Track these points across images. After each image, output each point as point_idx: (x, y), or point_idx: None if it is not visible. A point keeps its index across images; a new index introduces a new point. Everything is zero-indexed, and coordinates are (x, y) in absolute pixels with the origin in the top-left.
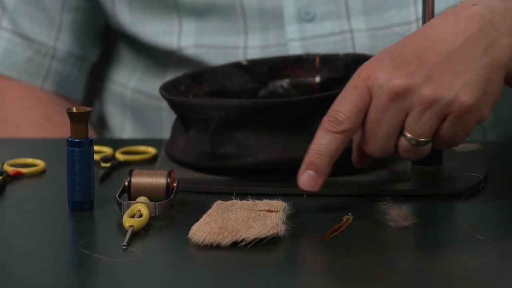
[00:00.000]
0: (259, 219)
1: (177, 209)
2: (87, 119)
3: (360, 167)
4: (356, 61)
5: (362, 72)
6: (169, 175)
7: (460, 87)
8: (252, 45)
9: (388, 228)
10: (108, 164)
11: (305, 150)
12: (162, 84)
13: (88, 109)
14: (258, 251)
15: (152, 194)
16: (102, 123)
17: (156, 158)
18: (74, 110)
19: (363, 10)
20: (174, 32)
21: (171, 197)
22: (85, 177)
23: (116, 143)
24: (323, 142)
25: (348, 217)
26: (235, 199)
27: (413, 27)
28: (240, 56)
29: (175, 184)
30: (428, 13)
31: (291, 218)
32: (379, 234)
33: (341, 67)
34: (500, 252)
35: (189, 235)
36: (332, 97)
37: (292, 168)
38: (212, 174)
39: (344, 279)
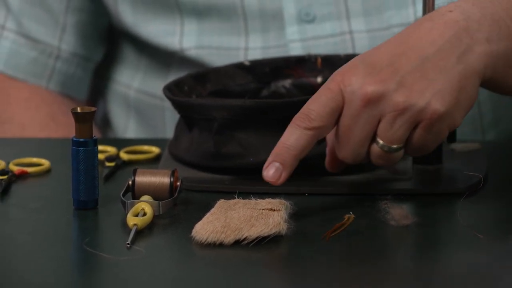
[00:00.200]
0: (262, 218)
1: (181, 208)
2: (91, 119)
3: (333, 171)
4: None
5: (336, 76)
6: (173, 174)
7: (432, 94)
8: (253, 46)
9: (389, 226)
10: (112, 164)
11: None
12: (165, 84)
13: (93, 109)
14: (260, 250)
15: (155, 193)
16: (106, 123)
17: (160, 158)
18: (79, 110)
19: (363, 11)
20: (176, 33)
21: (175, 196)
22: (90, 176)
23: (120, 143)
24: (292, 137)
25: (349, 216)
26: (238, 198)
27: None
28: (241, 57)
29: (178, 183)
30: (428, 12)
31: (293, 217)
32: (380, 233)
33: None
34: (499, 250)
35: (192, 233)
36: None
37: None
38: (215, 173)
39: (345, 277)
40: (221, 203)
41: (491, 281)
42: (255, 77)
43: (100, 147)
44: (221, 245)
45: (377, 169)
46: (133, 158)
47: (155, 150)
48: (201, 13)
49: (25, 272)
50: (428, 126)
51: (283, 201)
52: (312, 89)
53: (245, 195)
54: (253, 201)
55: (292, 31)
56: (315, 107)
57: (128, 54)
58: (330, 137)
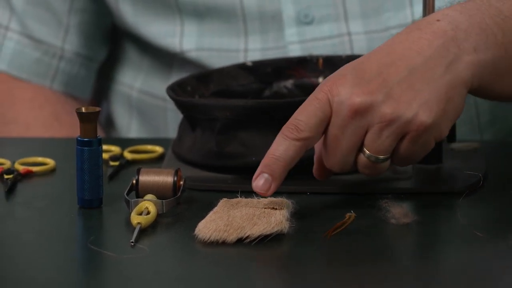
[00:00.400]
0: (264, 217)
1: (184, 206)
2: (96, 119)
3: (320, 179)
4: None
5: (324, 86)
6: (176, 173)
7: (419, 106)
8: (252, 48)
9: (390, 225)
10: (116, 163)
11: (309, 150)
12: (169, 84)
13: (97, 109)
14: (262, 248)
15: (159, 192)
16: (109, 123)
17: (163, 157)
18: (84, 110)
19: (361, 13)
20: (176, 33)
21: (178, 195)
22: (94, 175)
23: (124, 142)
24: (281, 148)
25: (351, 215)
26: (241, 197)
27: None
28: (240, 59)
29: (181, 182)
30: (428, 13)
31: (295, 215)
32: (380, 231)
33: None
34: (499, 248)
35: (196, 232)
36: None
37: (295, 166)
38: (218, 173)
39: (346, 275)
40: (223, 202)
41: (490, 279)
42: (258, 78)
43: (105, 147)
44: (223, 243)
45: None
46: (137, 157)
47: (158, 149)
48: (201, 14)
49: (30, 270)
50: (415, 137)
51: (285, 200)
52: (313, 89)
53: (247, 194)
54: (255, 200)
55: (291, 33)
56: (304, 118)
57: (131, 55)
58: (317, 145)
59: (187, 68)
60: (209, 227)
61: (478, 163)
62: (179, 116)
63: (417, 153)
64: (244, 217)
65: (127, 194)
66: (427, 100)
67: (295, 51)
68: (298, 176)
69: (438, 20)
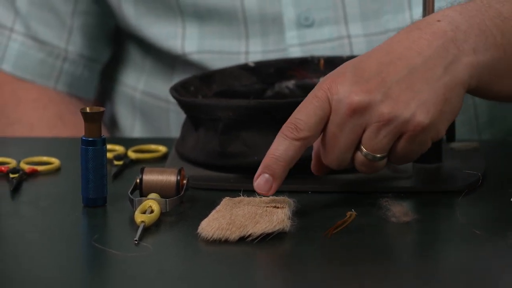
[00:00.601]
0: (266, 215)
1: (187, 205)
2: (100, 118)
3: (318, 175)
4: None
5: (324, 84)
6: (179, 172)
7: (417, 106)
8: (253, 50)
9: (390, 223)
10: (120, 162)
11: (309, 149)
12: (172, 85)
13: (101, 109)
14: (264, 246)
15: (163, 191)
16: (113, 124)
17: (167, 156)
18: (88, 110)
19: (360, 16)
20: (177, 36)
21: (181, 194)
22: (99, 174)
23: (128, 142)
24: (281, 148)
25: (351, 213)
26: (243, 195)
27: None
28: (242, 61)
29: (185, 181)
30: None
31: (296, 214)
32: (381, 230)
33: None
34: (497, 247)
35: (199, 230)
36: None
37: (296, 165)
38: (220, 172)
39: (347, 273)
40: (226, 201)
41: (490, 277)
42: (260, 78)
43: (109, 146)
44: (226, 241)
45: None
46: (140, 157)
47: (162, 149)
48: (202, 17)
49: (35, 268)
50: (412, 137)
51: (286, 198)
52: None
53: (249, 193)
54: (257, 198)
55: (292, 35)
56: (303, 117)
57: (133, 57)
58: (316, 142)
59: (189, 70)
60: (212, 225)
61: (477, 162)
62: (181, 117)
63: (414, 152)
64: (247, 215)
65: (131, 193)
66: (425, 100)
67: (295, 53)
68: (300, 175)
69: (438, 21)
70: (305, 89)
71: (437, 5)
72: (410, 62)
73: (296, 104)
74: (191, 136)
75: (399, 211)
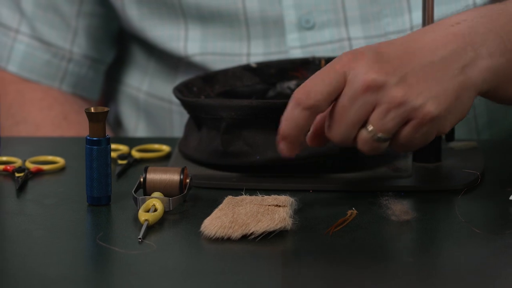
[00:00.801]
0: (268, 214)
1: (190, 204)
2: (104, 118)
3: (312, 146)
4: None
5: (343, 57)
6: (183, 171)
7: (429, 97)
8: (254, 52)
9: (390, 222)
10: (124, 161)
11: (310, 148)
12: (175, 85)
13: (106, 109)
14: (266, 244)
15: (166, 189)
16: (117, 124)
17: (170, 156)
18: (92, 110)
19: (361, 18)
20: (180, 38)
21: (184, 193)
22: (103, 173)
23: (132, 141)
24: (293, 116)
25: (352, 212)
26: (245, 194)
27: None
28: (243, 63)
29: (188, 180)
30: (428, 18)
31: (298, 212)
32: (381, 228)
33: None
34: (496, 244)
35: (201, 228)
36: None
37: (298, 165)
38: (223, 171)
39: (348, 270)
40: (228, 200)
41: (487, 273)
42: (262, 79)
43: (113, 146)
44: (228, 239)
45: (378, 167)
46: (144, 156)
47: (165, 148)
48: (205, 19)
49: (40, 266)
50: (418, 125)
51: (288, 197)
52: None
53: (252, 191)
54: (259, 197)
55: (293, 38)
56: (317, 87)
57: (137, 58)
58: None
59: (192, 71)
60: (215, 224)
61: (476, 161)
62: (184, 117)
63: (416, 141)
64: (249, 214)
65: (135, 192)
66: (438, 93)
67: (296, 55)
68: (301, 175)
69: (458, 23)
70: None
71: (436, 9)
72: (428, 56)
73: None
74: (194, 136)
75: (399, 209)
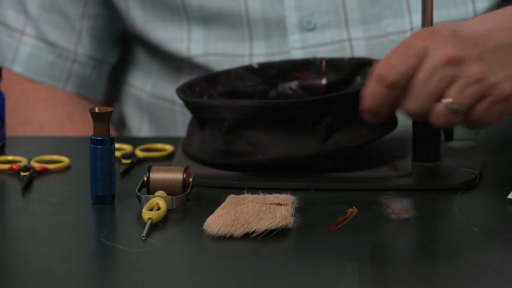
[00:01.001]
0: (269, 212)
1: (193, 202)
2: (108, 118)
3: (371, 122)
4: (360, 64)
5: (420, 34)
6: (186, 171)
7: (504, 76)
8: (256, 53)
9: (390, 220)
10: (128, 161)
11: (311, 147)
12: (178, 86)
13: (110, 109)
14: (268, 242)
15: (169, 188)
16: (121, 124)
17: (173, 155)
18: (97, 110)
19: (361, 20)
20: (183, 39)
21: (187, 192)
22: (107, 172)
23: (136, 141)
24: (376, 92)
25: (353, 210)
26: (247, 193)
27: (408, 35)
28: (245, 63)
29: (191, 179)
30: (427, 21)
31: (299, 211)
32: (381, 226)
33: (346, 70)
34: (494, 242)
35: (204, 227)
36: (338, 99)
37: (299, 164)
38: (225, 170)
39: (348, 268)
40: (231, 198)
41: (485, 270)
42: (264, 79)
43: (117, 145)
44: (231, 237)
45: (379, 166)
46: (148, 155)
47: (168, 148)
48: (207, 21)
49: (46, 263)
50: (493, 102)
51: (289, 196)
52: (317, 90)
53: (253, 190)
54: (261, 196)
55: (294, 39)
56: (398, 63)
57: (141, 59)
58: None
59: (195, 72)
60: (217, 222)
61: (474, 161)
62: (187, 118)
63: (489, 118)
64: (251, 212)
65: (139, 191)
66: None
67: (298, 56)
68: (302, 174)
69: None
70: (308, 90)
71: (436, 13)
72: (506, 38)
73: (299, 104)
74: (196, 136)
75: (399, 208)
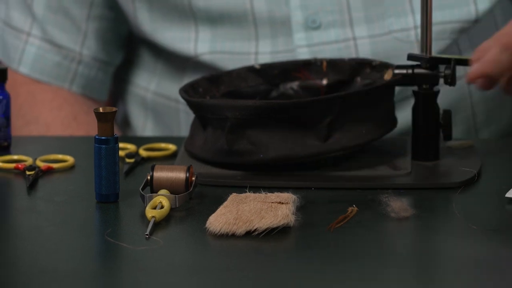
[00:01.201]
0: (271, 210)
1: (196, 201)
2: (112, 118)
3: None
4: (360, 65)
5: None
6: (188, 170)
7: None
8: (262, 51)
9: (390, 218)
10: (132, 160)
11: (312, 147)
12: (181, 86)
13: (114, 109)
14: (270, 240)
15: (172, 187)
16: (125, 123)
17: (176, 154)
18: (101, 110)
19: (365, 18)
20: (191, 39)
21: (190, 190)
22: (111, 171)
23: (140, 140)
24: (501, 59)
25: (353, 209)
26: (249, 192)
27: (412, 33)
28: (251, 62)
29: (193, 178)
30: (428, 22)
31: (300, 209)
32: (381, 224)
33: (347, 71)
34: (492, 240)
35: (207, 225)
36: (338, 99)
37: (300, 163)
38: (227, 169)
39: (349, 266)
40: (233, 197)
41: (484, 268)
42: (265, 80)
43: (121, 145)
44: (233, 236)
45: (378, 165)
46: (151, 154)
47: (171, 147)
48: (214, 21)
49: (51, 260)
50: None
51: (291, 194)
52: (318, 90)
53: (255, 189)
54: (263, 194)
55: (300, 37)
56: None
57: (146, 59)
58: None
59: (199, 71)
60: (220, 220)
61: (473, 160)
62: (191, 116)
63: None
64: (252, 211)
65: (142, 189)
66: None
67: (303, 54)
68: (303, 173)
69: None
70: (309, 90)
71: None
72: None
73: (300, 104)
74: (199, 135)
75: (398, 206)
